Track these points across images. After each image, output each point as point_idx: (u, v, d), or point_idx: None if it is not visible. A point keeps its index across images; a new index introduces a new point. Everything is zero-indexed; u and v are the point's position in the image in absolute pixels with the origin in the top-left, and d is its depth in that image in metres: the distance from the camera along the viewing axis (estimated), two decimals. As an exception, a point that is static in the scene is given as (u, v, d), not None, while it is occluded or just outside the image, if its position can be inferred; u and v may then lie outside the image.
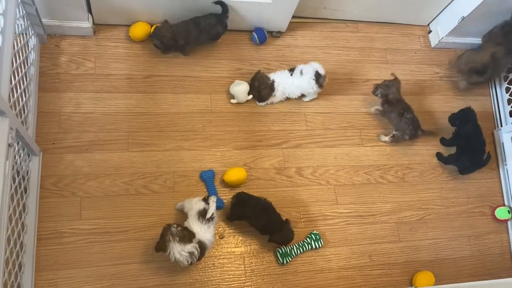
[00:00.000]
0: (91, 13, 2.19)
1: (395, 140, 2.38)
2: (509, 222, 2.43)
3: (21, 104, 1.82)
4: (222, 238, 2.05)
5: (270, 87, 2.25)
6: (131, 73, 2.23)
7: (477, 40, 2.57)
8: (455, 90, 2.64)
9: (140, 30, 2.24)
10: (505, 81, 2.63)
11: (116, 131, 2.12)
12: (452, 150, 2.41)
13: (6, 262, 1.51)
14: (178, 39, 2.16)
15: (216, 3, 2.18)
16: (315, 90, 2.29)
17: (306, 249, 2.09)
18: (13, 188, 1.62)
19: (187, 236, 1.74)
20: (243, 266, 2.04)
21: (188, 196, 1.99)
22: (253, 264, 2.05)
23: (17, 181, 1.70)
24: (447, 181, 2.43)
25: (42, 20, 2.04)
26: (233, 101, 2.29)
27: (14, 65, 1.73)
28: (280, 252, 2.05)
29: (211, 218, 1.82)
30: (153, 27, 2.24)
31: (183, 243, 1.71)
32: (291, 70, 2.27)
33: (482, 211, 2.43)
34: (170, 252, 1.71)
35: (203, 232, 1.79)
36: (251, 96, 2.28)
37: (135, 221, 1.99)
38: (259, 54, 2.45)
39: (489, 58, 2.42)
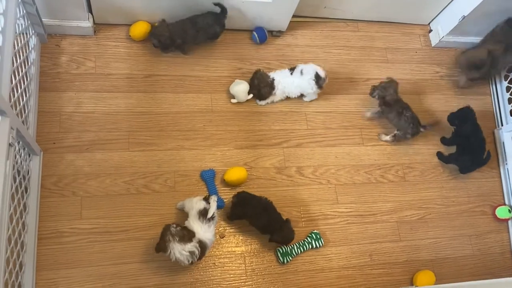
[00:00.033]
0: (91, 13, 2.19)
1: (396, 140, 2.38)
2: (509, 221, 2.42)
3: (21, 104, 1.82)
4: (222, 238, 2.05)
5: (270, 86, 2.25)
6: (131, 72, 2.23)
7: (478, 39, 2.57)
8: (455, 89, 2.64)
9: (140, 29, 2.24)
10: (505, 80, 2.62)
11: (117, 130, 2.12)
12: (453, 149, 2.41)
13: (7, 262, 1.51)
14: (175, 38, 2.16)
15: (215, 4, 2.18)
16: (315, 91, 2.29)
17: (306, 248, 2.09)
18: (13, 188, 1.62)
19: (187, 235, 1.74)
20: (243, 266, 2.04)
21: (189, 196, 2.00)
22: (254, 264, 2.05)
23: (17, 180, 1.70)
24: (448, 180, 2.43)
25: (43, 19, 2.04)
26: (233, 100, 2.29)
27: (15, 65, 1.73)
28: (281, 251, 2.06)
29: (212, 217, 1.82)
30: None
31: (183, 243, 1.71)
32: (292, 69, 2.27)
33: (482, 210, 2.43)
34: (170, 252, 1.71)
35: (204, 231, 1.79)
36: (251, 96, 2.28)
37: (135, 221, 1.99)
38: (259, 53, 2.44)
39: (487, 54, 2.42)
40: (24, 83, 1.87)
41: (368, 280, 2.14)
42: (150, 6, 2.18)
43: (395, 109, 2.30)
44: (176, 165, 2.12)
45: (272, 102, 2.34)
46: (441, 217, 2.35)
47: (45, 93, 2.09)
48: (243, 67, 2.38)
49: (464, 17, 2.46)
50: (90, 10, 2.17)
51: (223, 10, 2.21)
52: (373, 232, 2.23)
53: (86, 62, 2.20)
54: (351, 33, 2.64)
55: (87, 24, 2.18)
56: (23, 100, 1.85)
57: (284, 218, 2.03)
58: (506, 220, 2.42)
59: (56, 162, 2.00)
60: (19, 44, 1.82)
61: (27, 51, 1.96)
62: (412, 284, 2.18)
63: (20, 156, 1.76)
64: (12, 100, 1.66)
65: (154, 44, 2.20)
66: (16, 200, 1.67)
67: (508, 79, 2.59)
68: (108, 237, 1.94)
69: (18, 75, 1.78)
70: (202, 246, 1.77)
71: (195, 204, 1.84)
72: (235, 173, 2.11)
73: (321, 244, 2.11)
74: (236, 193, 2.03)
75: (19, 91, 1.78)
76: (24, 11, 1.88)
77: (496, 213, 2.40)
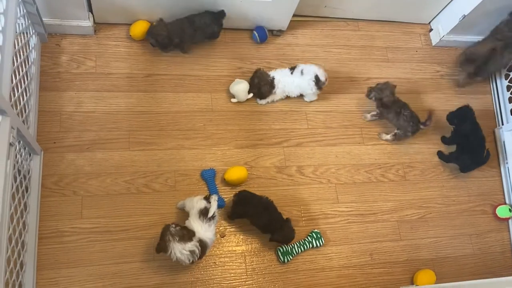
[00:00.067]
0: (91, 12, 2.19)
1: (397, 138, 2.38)
2: (510, 221, 2.42)
3: (22, 103, 1.82)
4: (223, 237, 2.05)
5: (270, 84, 2.24)
6: (131, 72, 2.23)
7: (478, 38, 2.56)
8: (456, 88, 2.64)
9: (140, 28, 2.23)
10: (506, 79, 2.62)
11: (117, 130, 2.12)
12: (453, 148, 2.41)
13: (8, 261, 1.51)
14: (173, 37, 2.16)
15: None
16: (314, 92, 2.29)
17: (307, 247, 2.09)
18: (14, 187, 1.63)
19: (187, 235, 1.74)
20: (244, 265, 2.04)
21: (189, 195, 2.00)
22: (254, 263, 2.05)
23: (18, 180, 1.70)
24: (448, 180, 2.43)
25: (43, 19, 2.04)
26: (233, 100, 2.29)
27: (15, 64, 1.73)
28: (281, 250, 2.06)
29: (212, 217, 1.82)
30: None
31: (183, 242, 1.72)
32: (292, 69, 2.28)
33: (483, 210, 2.43)
34: (171, 252, 1.71)
35: (204, 230, 1.80)
36: (251, 95, 2.28)
37: (136, 220, 1.99)
38: (259, 52, 2.44)
39: (484, 50, 2.43)
40: (24, 82, 1.87)
41: (368, 279, 2.15)
42: (150, 5, 2.18)
43: (393, 110, 2.30)
44: (176, 165, 2.12)
45: (272, 101, 2.34)
46: (441, 216, 2.35)
47: (45, 92, 2.10)
48: (243, 66, 2.38)
49: (464, 16, 2.46)
50: (90, 9, 2.17)
51: (222, 11, 2.21)
52: (374, 231, 2.23)
53: (87, 61, 2.20)
54: (351, 32, 2.64)
55: (88, 23, 2.18)
56: (23, 99, 1.85)
57: (285, 217, 2.04)
58: (507, 219, 2.42)
59: (56, 162, 2.00)
60: (20, 44, 1.82)
61: (28, 51, 1.96)
62: (412, 283, 2.18)
63: (21, 156, 1.76)
64: (12, 99, 1.67)
65: (152, 43, 2.20)
66: (16, 200, 1.67)
67: (509, 78, 2.59)
68: (108, 236, 1.94)
69: (19, 74, 1.79)
70: (203, 245, 1.77)
71: (196, 203, 1.85)
72: (236, 173, 2.11)
73: (321, 243, 2.11)
74: (237, 192, 2.04)
75: (19, 90, 1.78)
76: (25, 11, 1.88)
77: (496, 212, 2.40)
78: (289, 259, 2.06)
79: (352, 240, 2.19)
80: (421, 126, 2.32)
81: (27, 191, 1.84)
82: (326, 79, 2.26)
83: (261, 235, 2.06)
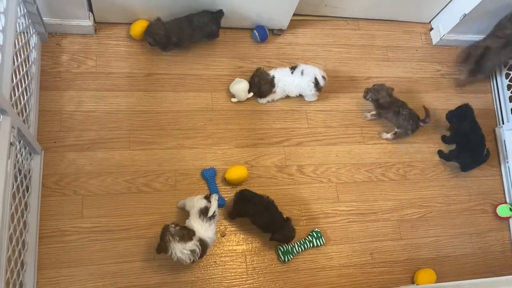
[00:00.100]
0: (92, 12, 2.19)
1: (397, 137, 2.38)
2: (510, 220, 2.42)
3: (22, 103, 1.82)
4: (223, 236, 2.06)
5: (270, 83, 2.24)
6: (132, 71, 2.23)
7: (479, 37, 2.56)
8: (456, 87, 2.64)
9: (140, 28, 2.23)
10: (506, 78, 2.62)
11: (118, 129, 2.12)
12: (453, 147, 2.41)
13: (9, 260, 1.52)
14: (171, 36, 2.16)
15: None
16: (313, 93, 2.29)
17: (307, 247, 2.09)
18: (15, 187, 1.63)
19: (187, 234, 1.74)
20: (244, 264, 2.04)
21: (190, 194, 2.00)
22: (255, 262, 2.05)
23: (19, 179, 1.71)
24: (449, 179, 2.43)
25: (43, 18, 2.04)
26: (233, 99, 2.29)
27: (16, 64, 1.73)
28: (282, 250, 2.06)
29: (213, 216, 1.82)
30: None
31: (183, 242, 1.72)
32: (293, 68, 2.27)
33: (483, 209, 2.43)
34: (171, 252, 1.72)
35: (205, 230, 1.80)
36: (251, 94, 2.27)
37: (136, 219, 1.99)
38: (260, 52, 2.44)
39: (481, 47, 2.43)
40: (25, 82, 1.87)
41: (369, 278, 2.15)
42: (150, 4, 2.18)
43: (392, 110, 2.30)
44: (176, 164, 2.12)
45: (273, 100, 2.34)
46: (442, 215, 2.35)
47: (46, 92, 2.10)
48: (243, 65, 2.38)
49: (465, 15, 2.46)
50: (90, 9, 2.17)
51: (220, 10, 2.21)
52: (374, 230, 2.23)
53: (87, 61, 2.20)
54: (351, 32, 2.64)
55: (88, 23, 2.18)
56: (24, 99, 1.85)
57: (285, 216, 2.04)
58: (507, 219, 2.42)
59: (57, 161, 2.00)
60: (20, 43, 1.83)
61: (28, 50, 1.96)
62: (413, 283, 2.18)
63: (21, 155, 1.76)
64: (13, 99, 1.67)
65: (150, 42, 2.19)
66: (17, 199, 1.67)
67: (509, 77, 2.59)
68: (109, 235, 1.94)
69: (19, 74, 1.79)
70: (203, 244, 1.77)
71: (196, 202, 1.85)
72: (236, 172, 2.11)
73: (322, 243, 2.11)
74: (238, 190, 2.04)
75: (20, 90, 1.78)
76: (25, 10, 1.88)
77: (497, 211, 2.40)
78: (289, 258, 2.06)
79: (353, 239, 2.19)
80: (421, 124, 2.33)
81: (27, 191, 1.84)
82: (325, 83, 2.27)
83: (262, 235, 2.06)
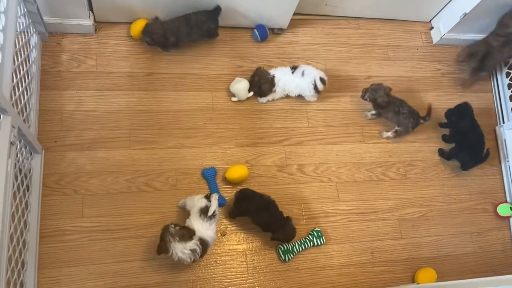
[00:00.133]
0: (92, 11, 2.19)
1: (398, 135, 2.38)
2: (511, 219, 2.42)
3: (23, 102, 1.82)
4: (224, 236, 2.06)
5: (270, 82, 2.24)
6: (132, 70, 2.23)
7: (479, 36, 2.56)
8: (457, 86, 2.64)
9: (140, 27, 2.22)
10: (507, 77, 2.62)
11: (118, 129, 2.12)
12: (454, 146, 2.41)
13: (9, 260, 1.52)
14: (169, 35, 2.15)
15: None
16: (313, 94, 2.29)
17: (308, 246, 2.09)
18: (15, 186, 1.63)
19: (187, 234, 1.74)
20: (245, 263, 2.04)
21: (190, 194, 2.00)
22: (255, 261, 2.05)
23: (19, 179, 1.70)
24: (449, 178, 2.43)
25: (44, 18, 2.04)
26: (234, 99, 2.29)
27: (16, 63, 1.73)
28: (282, 249, 2.06)
29: (213, 215, 1.82)
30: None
31: (183, 242, 1.72)
32: (293, 68, 2.27)
33: (484, 208, 2.43)
34: (172, 252, 1.72)
35: (205, 229, 1.80)
36: (251, 93, 2.27)
37: (137, 219, 1.99)
38: (260, 51, 2.44)
39: (485, 45, 2.43)
40: (25, 81, 1.87)
41: (369, 277, 2.15)
42: (150, 4, 2.18)
43: (391, 109, 2.30)
44: (177, 163, 2.12)
45: (273, 99, 2.34)
46: (442, 214, 2.35)
47: (46, 91, 2.10)
48: (243, 65, 2.38)
49: (465, 14, 2.46)
50: (91, 8, 2.17)
51: (217, 7, 2.20)
52: (375, 229, 2.23)
53: (87, 60, 2.20)
54: (352, 31, 2.64)
55: (88, 22, 2.17)
56: (24, 98, 1.85)
57: (285, 216, 2.04)
58: (508, 218, 2.42)
59: (57, 161, 2.00)
60: (20, 43, 1.83)
61: (28, 50, 1.96)
62: (413, 282, 2.18)
63: (22, 155, 1.76)
64: (13, 98, 1.67)
65: (148, 42, 2.19)
66: (17, 199, 1.67)
67: (510, 76, 2.59)
68: (109, 235, 1.94)
69: (19, 73, 1.79)
70: (203, 243, 1.77)
71: (197, 202, 1.85)
72: (237, 171, 2.11)
73: (322, 242, 2.11)
74: (239, 189, 2.04)
75: (20, 89, 1.78)
76: (25, 10, 1.88)
77: (497, 210, 2.40)
78: (290, 257, 2.06)
79: (353, 239, 2.19)
80: (421, 121, 2.33)
81: (28, 190, 1.84)
82: (324, 87, 2.27)
83: (262, 234, 2.06)
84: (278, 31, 2.50)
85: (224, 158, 2.18)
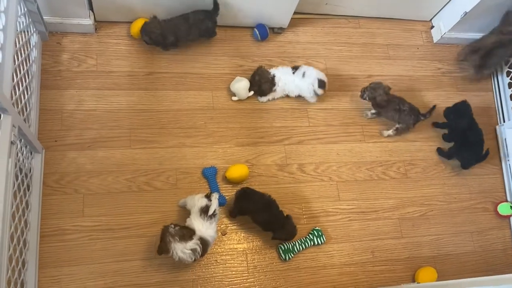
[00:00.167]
0: (92, 10, 2.19)
1: (399, 132, 2.38)
2: (511, 218, 2.42)
3: (23, 102, 1.82)
4: (224, 235, 2.06)
5: (270, 82, 2.24)
6: (132, 70, 2.23)
7: (480, 35, 2.56)
8: (457, 85, 2.64)
9: (140, 27, 2.22)
10: (507, 76, 2.62)
11: (118, 128, 2.12)
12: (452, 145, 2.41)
13: (10, 259, 1.52)
14: (167, 35, 2.15)
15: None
16: (312, 96, 2.29)
17: (308, 245, 2.09)
18: (16, 186, 1.63)
19: (187, 234, 1.75)
20: (245, 263, 2.04)
21: (191, 193, 2.00)
22: (256, 261, 2.05)
23: (19, 178, 1.71)
24: (450, 177, 2.43)
25: (44, 17, 2.04)
26: (234, 98, 2.29)
27: (16, 63, 1.73)
28: (283, 248, 2.06)
29: (213, 214, 1.82)
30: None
31: (184, 241, 1.72)
32: (294, 68, 2.27)
33: (484, 207, 2.43)
34: (173, 252, 1.72)
35: (205, 228, 1.80)
36: (252, 93, 2.27)
37: (137, 218, 1.99)
38: (260, 50, 2.44)
39: (488, 42, 2.43)
40: (25, 81, 1.87)
41: (370, 276, 2.15)
42: (150, 3, 2.18)
43: (392, 108, 2.29)
44: (177, 163, 2.12)
45: (273, 99, 2.33)
46: (443, 213, 2.35)
47: (46, 91, 2.10)
48: (244, 64, 2.38)
49: (466, 13, 2.45)
50: (91, 7, 2.17)
51: (216, 6, 2.20)
52: (375, 229, 2.23)
53: (88, 59, 2.20)
54: (352, 30, 2.64)
55: (88, 21, 2.17)
56: (24, 98, 1.85)
57: (286, 214, 2.03)
58: (508, 217, 2.42)
59: (58, 160, 2.00)
60: (21, 42, 1.82)
61: (29, 49, 1.96)
62: (414, 281, 2.18)
63: (22, 154, 1.76)
64: (13, 98, 1.66)
65: (146, 41, 2.18)
66: (18, 198, 1.67)
67: (510, 75, 2.59)
68: (110, 234, 1.94)
69: (20, 73, 1.79)
70: (204, 243, 1.77)
71: (197, 201, 1.85)
72: (237, 171, 2.11)
73: (323, 241, 2.11)
74: (240, 188, 2.04)
75: (20, 89, 1.78)
76: (25, 9, 1.88)
77: (498, 209, 2.40)
78: (290, 256, 2.06)
79: (354, 238, 2.19)
80: (421, 118, 2.33)
81: (28, 190, 1.84)
82: (323, 91, 2.27)
83: (263, 233, 2.06)
84: (278, 30, 2.50)
85: (225, 157, 2.18)
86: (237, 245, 2.06)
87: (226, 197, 2.09)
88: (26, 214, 1.79)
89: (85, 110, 2.11)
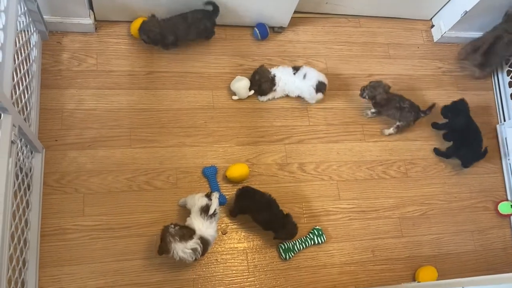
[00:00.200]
0: (92, 10, 2.19)
1: (399, 130, 2.38)
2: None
3: (23, 101, 1.82)
4: (225, 234, 2.06)
5: (271, 81, 2.24)
6: (133, 69, 2.23)
7: (480, 34, 2.56)
8: (457, 84, 2.64)
9: (141, 26, 2.23)
10: (508, 75, 2.61)
11: (119, 127, 2.12)
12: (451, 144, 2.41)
13: (10, 259, 1.52)
14: (166, 34, 2.14)
15: (206, 3, 2.18)
16: (312, 97, 2.29)
17: (308, 244, 2.09)
18: (16, 185, 1.63)
19: (187, 233, 1.75)
20: (246, 262, 2.04)
21: (191, 192, 2.00)
22: (256, 260, 2.05)
23: (20, 178, 1.71)
24: (450, 176, 2.43)
25: (44, 16, 2.04)
26: (234, 97, 2.29)
27: (16, 62, 1.73)
28: (283, 247, 2.06)
29: (214, 214, 1.82)
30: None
31: (184, 241, 1.72)
32: (296, 69, 2.27)
33: (485, 206, 2.43)
34: (173, 252, 1.72)
35: (206, 228, 1.80)
36: (252, 92, 2.27)
37: (138, 217, 1.99)
38: (261, 49, 2.44)
39: (489, 37, 2.43)
40: (25, 80, 1.87)
41: (370, 276, 2.15)
42: (150, 2, 2.17)
43: (392, 106, 2.29)
44: (178, 162, 2.12)
45: (273, 98, 2.33)
46: (443, 213, 2.35)
47: (46, 90, 2.10)
48: (244, 63, 2.38)
49: (466, 12, 2.45)
50: (91, 7, 2.17)
51: (215, 9, 2.20)
52: (375, 228, 2.23)
53: (88, 59, 2.20)
54: (353, 29, 2.63)
55: (88, 21, 2.17)
56: (25, 97, 1.85)
57: (285, 213, 2.03)
58: (509, 216, 2.42)
59: (58, 159, 2.00)
60: (21, 42, 1.82)
61: (29, 49, 1.96)
62: (414, 280, 2.18)
63: (23, 154, 1.76)
64: (14, 97, 1.66)
65: (144, 40, 2.17)
66: (18, 197, 1.67)
67: (511, 74, 2.58)
68: (110, 233, 1.94)
69: (20, 72, 1.78)
70: (204, 242, 1.77)
71: (197, 200, 1.85)
72: (237, 170, 2.11)
73: (323, 240, 2.11)
74: (240, 187, 2.04)
75: (20, 88, 1.78)
76: (25, 8, 1.88)
77: (498, 208, 2.40)
78: (290, 256, 2.06)
79: (354, 237, 2.19)
80: (422, 114, 2.33)
81: (29, 189, 1.84)
82: (323, 94, 2.28)
83: (263, 232, 2.06)
84: (278, 30, 2.49)
85: (225, 156, 2.18)
86: (238, 244, 2.06)
87: (227, 196, 2.09)
88: (26, 214, 1.79)
89: (85, 109, 2.11)
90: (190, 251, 1.72)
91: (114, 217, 1.97)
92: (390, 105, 2.29)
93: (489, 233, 2.38)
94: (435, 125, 2.46)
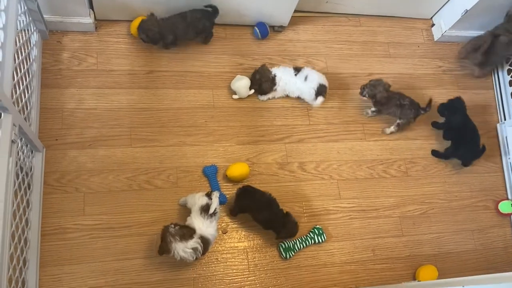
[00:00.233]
0: (92, 9, 2.19)
1: (400, 128, 2.38)
2: (512, 216, 2.43)
3: (23, 101, 1.82)
4: (225, 233, 2.06)
5: (271, 81, 2.24)
6: (133, 68, 2.23)
7: (480, 33, 2.55)
8: (458, 83, 2.64)
9: (141, 25, 2.23)
10: (508, 74, 2.61)
11: (119, 126, 2.12)
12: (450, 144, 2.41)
13: (11, 258, 1.52)
14: (165, 33, 2.14)
15: (206, 6, 2.18)
16: (313, 98, 2.28)
17: (309, 243, 2.10)
18: (16, 184, 1.63)
19: (187, 233, 1.75)
20: (246, 261, 2.04)
21: (191, 192, 2.00)
22: (256, 259, 2.05)
23: (20, 177, 1.71)
24: (450, 175, 2.43)
25: (44, 16, 2.04)
26: (235, 96, 2.28)
27: (16, 62, 1.73)
28: (283, 246, 2.06)
29: (214, 213, 1.82)
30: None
31: (184, 241, 1.72)
32: (297, 70, 2.26)
33: (485, 205, 2.43)
34: (174, 252, 1.72)
35: (206, 227, 1.80)
36: (252, 91, 2.27)
37: (138, 217, 1.99)
38: (261, 48, 2.44)
39: (488, 36, 2.42)
40: (26, 79, 1.87)
41: (370, 275, 2.15)
42: (150, 2, 2.17)
43: (393, 104, 2.29)
44: (178, 161, 2.12)
45: (274, 97, 2.33)
46: (443, 212, 2.35)
47: (47, 89, 2.10)
48: (244, 62, 2.38)
49: (466, 11, 2.45)
50: (91, 6, 2.17)
51: (214, 10, 2.20)
52: (376, 227, 2.23)
53: (88, 58, 2.20)
54: (353, 28, 2.63)
55: (89, 20, 2.17)
56: (25, 96, 1.85)
57: (285, 211, 2.03)
58: (509, 215, 2.42)
59: (58, 159, 2.00)
60: (21, 41, 1.82)
61: (29, 48, 1.96)
62: (414, 279, 2.18)
63: (23, 153, 1.76)
64: (14, 97, 1.66)
65: (143, 39, 2.16)
66: (19, 197, 1.67)
67: (511, 73, 2.58)
68: (111, 233, 1.95)
69: (20, 71, 1.78)
70: (205, 241, 1.77)
71: (198, 200, 1.85)
72: (238, 169, 2.11)
73: (323, 239, 2.11)
74: (241, 186, 2.04)
75: (21, 87, 1.78)
76: (25, 8, 1.88)
77: (499, 207, 2.40)
78: (291, 255, 2.06)
79: (354, 236, 2.19)
80: (421, 112, 2.32)
81: (29, 188, 1.84)
82: (323, 98, 2.27)
83: (263, 232, 2.06)
84: (278, 29, 2.49)
85: (225, 156, 2.18)
86: (238, 244, 2.06)
87: (227, 196, 2.09)
88: (27, 213, 1.79)
89: (86, 108, 2.11)
90: (191, 250, 1.72)
91: (115, 216, 1.97)
92: (390, 103, 2.29)
93: (489, 232, 2.38)
94: (435, 124, 2.46)
